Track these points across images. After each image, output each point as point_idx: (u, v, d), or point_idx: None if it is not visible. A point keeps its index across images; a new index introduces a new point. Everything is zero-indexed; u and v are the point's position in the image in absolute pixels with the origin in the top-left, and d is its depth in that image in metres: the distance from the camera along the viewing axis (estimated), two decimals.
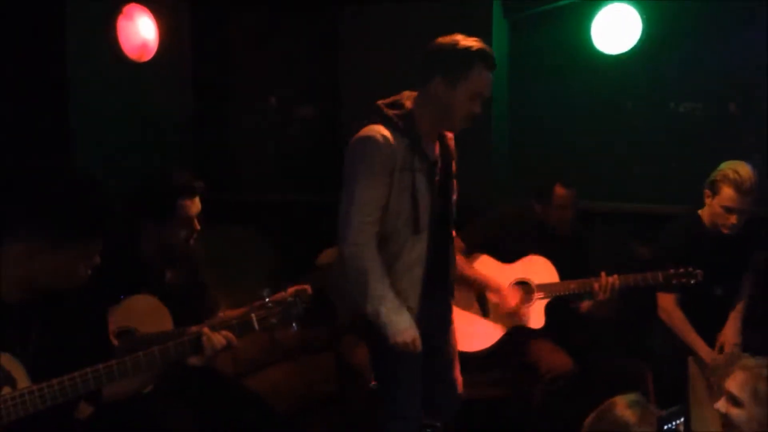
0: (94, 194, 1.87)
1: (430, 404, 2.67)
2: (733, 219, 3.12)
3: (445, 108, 2.40)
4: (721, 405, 2.03)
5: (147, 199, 2.52)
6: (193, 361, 2.08)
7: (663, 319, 3.27)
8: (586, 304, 3.36)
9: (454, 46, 2.36)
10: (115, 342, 2.25)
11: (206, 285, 2.76)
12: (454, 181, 2.60)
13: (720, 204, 3.13)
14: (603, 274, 3.16)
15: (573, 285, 3.24)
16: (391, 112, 2.42)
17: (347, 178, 2.41)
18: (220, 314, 2.72)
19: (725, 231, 3.17)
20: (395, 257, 2.45)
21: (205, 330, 2.08)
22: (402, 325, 2.37)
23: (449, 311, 2.75)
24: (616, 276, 3.14)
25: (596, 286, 3.15)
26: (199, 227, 2.57)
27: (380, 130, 2.38)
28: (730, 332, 3.24)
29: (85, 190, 1.87)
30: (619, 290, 3.15)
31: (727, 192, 3.09)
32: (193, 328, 2.14)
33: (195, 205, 2.55)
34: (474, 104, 2.40)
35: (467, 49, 2.35)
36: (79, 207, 1.83)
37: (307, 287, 2.43)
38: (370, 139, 2.37)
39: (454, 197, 2.62)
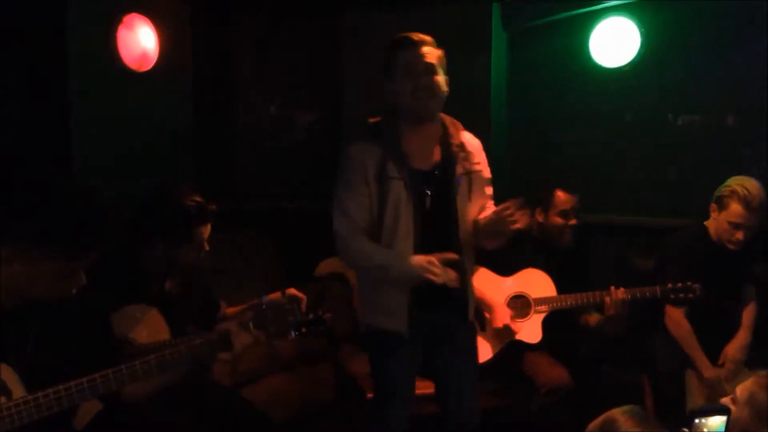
0: (84, 212, 1.86)
1: (448, 423, 2.70)
2: (739, 235, 3.12)
3: (398, 97, 2.50)
4: (726, 400, 2.05)
5: (162, 222, 2.52)
6: (223, 356, 2.18)
7: (670, 329, 3.26)
8: (594, 319, 3.35)
9: (381, 52, 2.56)
10: None
11: (208, 289, 2.78)
12: (462, 187, 2.55)
13: (727, 219, 3.13)
14: (612, 288, 3.15)
15: (571, 299, 3.23)
16: (368, 125, 2.57)
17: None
18: (222, 312, 2.78)
19: (731, 246, 3.18)
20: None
21: (233, 327, 2.16)
22: (412, 264, 2.41)
23: (461, 327, 2.69)
24: (622, 290, 3.14)
25: (608, 299, 3.14)
26: (207, 248, 2.61)
27: (357, 144, 2.53)
28: (735, 348, 3.23)
29: (76, 207, 1.85)
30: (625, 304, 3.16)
31: (735, 208, 3.09)
32: (222, 326, 2.19)
33: (207, 230, 2.60)
34: (411, 79, 2.46)
35: (386, 46, 2.54)
36: (66, 222, 1.82)
37: (301, 296, 2.44)
38: (344, 154, 2.54)
39: (462, 205, 2.55)
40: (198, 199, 2.54)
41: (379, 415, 2.69)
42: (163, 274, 2.58)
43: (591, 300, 3.22)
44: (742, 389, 2.00)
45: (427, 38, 2.52)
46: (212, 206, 2.57)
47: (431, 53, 2.49)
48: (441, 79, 2.50)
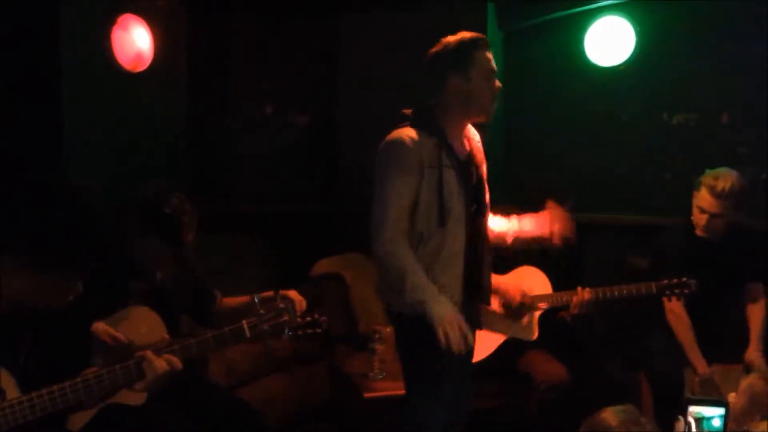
0: (82, 224, 1.85)
1: (454, 410, 2.69)
2: (703, 220, 3.19)
3: (471, 97, 2.55)
4: (732, 396, 2.11)
5: (156, 221, 2.60)
6: (136, 387, 2.03)
7: (671, 322, 3.26)
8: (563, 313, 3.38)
9: (451, 45, 2.57)
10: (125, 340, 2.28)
11: (199, 279, 2.79)
12: (485, 186, 2.67)
13: (696, 204, 3.22)
14: (579, 288, 3.18)
15: (567, 296, 3.24)
16: (412, 114, 2.59)
17: (378, 180, 2.52)
18: (218, 302, 2.78)
19: (699, 233, 3.24)
20: (435, 254, 2.51)
21: (148, 354, 2.04)
22: (444, 312, 2.37)
23: (478, 317, 2.74)
24: (588, 289, 3.16)
25: (575, 299, 3.18)
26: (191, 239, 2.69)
27: (406, 132, 2.52)
28: (754, 352, 3.19)
29: (74, 219, 1.84)
30: (617, 300, 3.17)
31: (702, 193, 3.18)
32: (138, 353, 2.08)
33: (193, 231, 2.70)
34: (491, 82, 2.57)
35: (462, 42, 2.56)
36: (64, 237, 1.82)
37: (300, 298, 2.43)
38: (396, 141, 2.51)
39: (488, 197, 2.67)
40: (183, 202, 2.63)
41: (422, 414, 2.60)
42: (152, 264, 2.60)
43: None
44: (745, 381, 2.04)
45: None
46: (199, 208, 2.67)
47: None
48: None
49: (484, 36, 2.59)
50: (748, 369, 3.12)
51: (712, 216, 3.17)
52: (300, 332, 2.38)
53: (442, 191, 2.49)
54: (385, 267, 2.50)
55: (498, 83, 2.58)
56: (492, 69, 2.57)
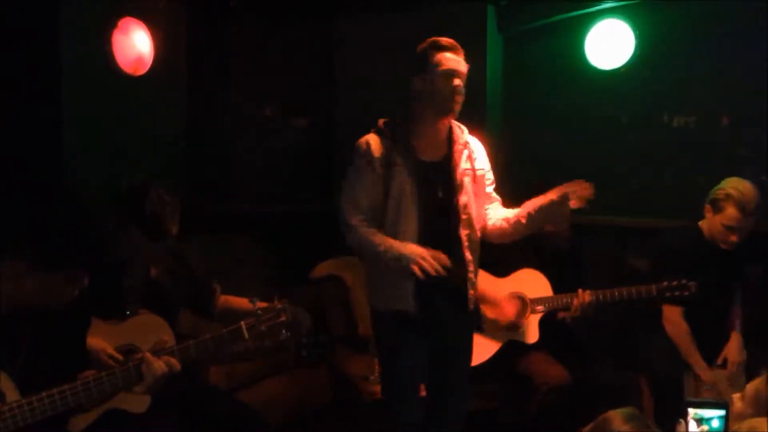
0: (81, 226, 1.86)
1: (439, 416, 2.74)
2: (734, 237, 3.14)
3: (431, 95, 2.65)
4: (736, 397, 2.10)
5: (136, 216, 2.56)
6: (136, 389, 2.07)
7: (667, 329, 3.27)
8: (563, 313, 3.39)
9: (414, 53, 2.72)
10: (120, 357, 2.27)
11: (195, 272, 2.78)
12: (466, 182, 2.70)
13: (722, 222, 3.14)
14: (580, 290, 3.19)
15: (566, 298, 3.24)
16: (381, 122, 2.75)
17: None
18: (220, 296, 2.79)
19: (724, 247, 3.19)
20: None
21: (147, 356, 2.07)
22: (410, 250, 2.54)
23: (468, 323, 2.81)
24: (588, 292, 3.20)
25: (575, 302, 3.20)
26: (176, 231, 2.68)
27: (366, 137, 2.72)
28: (734, 349, 3.23)
29: (74, 220, 1.86)
30: (617, 303, 3.19)
31: (730, 211, 3.11)
32: (137, 355, 2.11)
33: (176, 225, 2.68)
34: (451, 81, 2.64)
35: (423, 46, 2.71)
36: (67, 236, 1.83)
37: (303, 314, 2.44)
38: (355, 145, 2.72)
39: (465, 198, 2.69)
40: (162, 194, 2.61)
41: (391, 411, 2.73)
42: (140, 260, 2.59)
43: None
44: (750, 386, 2.03)
45: (461, 49, 2.73)
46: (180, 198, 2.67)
47: (464, 63, 2.70)
48: None
49: (447, 39, 2.69)
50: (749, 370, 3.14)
51: (742, 231, 3.12)
52: (305, 353, 2.42)
53: (389, 190, 2.62)
54: (359, 250, 2.68)
55: (458, 82, 2.63)
56: (452, 68, 2.63)
